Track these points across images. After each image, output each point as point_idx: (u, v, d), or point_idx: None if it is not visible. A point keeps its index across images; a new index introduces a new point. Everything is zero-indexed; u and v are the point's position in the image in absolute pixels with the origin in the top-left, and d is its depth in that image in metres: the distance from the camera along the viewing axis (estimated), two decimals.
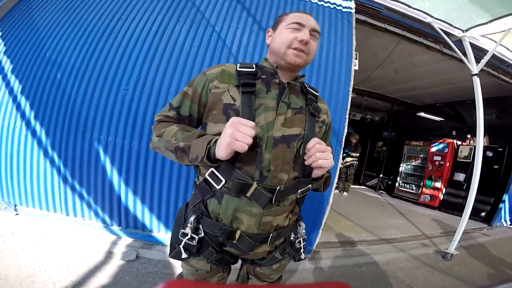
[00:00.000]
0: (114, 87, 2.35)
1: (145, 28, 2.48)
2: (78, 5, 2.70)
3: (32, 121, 2.43)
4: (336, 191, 6.32)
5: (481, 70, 3.14)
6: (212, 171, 0.77)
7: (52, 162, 2.41)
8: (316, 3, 2.79)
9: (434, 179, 6.19)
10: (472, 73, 3.11)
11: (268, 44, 0.91)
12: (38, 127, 2.42)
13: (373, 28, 3.23)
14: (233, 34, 2.52)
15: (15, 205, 2.54)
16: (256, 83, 0.82)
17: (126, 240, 2.36)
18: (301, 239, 0.95)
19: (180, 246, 0.80)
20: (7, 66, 2.58)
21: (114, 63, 2.40)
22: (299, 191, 0.84)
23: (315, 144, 0.77)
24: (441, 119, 7.06)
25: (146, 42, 2.43)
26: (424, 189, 6.37)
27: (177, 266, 2.12)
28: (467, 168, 5.58)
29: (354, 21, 2.80)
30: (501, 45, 3.26)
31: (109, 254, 2.13)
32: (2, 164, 2.50)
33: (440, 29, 3.13)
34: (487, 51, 3.16)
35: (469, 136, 5.88)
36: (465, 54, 3.19)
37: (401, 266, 2.69)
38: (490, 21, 2.85)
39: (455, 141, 6.10)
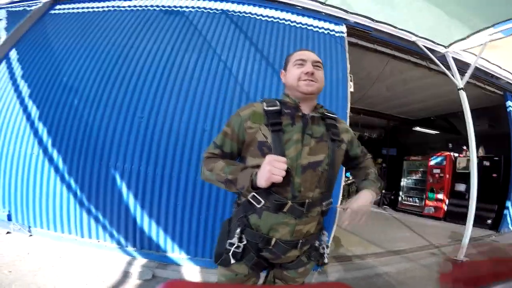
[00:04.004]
0: (130, 114, 2.49)
1: (156, 56, 2.67)
2: (92, 30, 2.90)
3: (50, 148, 2.55)
4: (340, 208, 6.31)
5: (467, 82, 3.33)
6: (253, 194, 0.93)
7: (69, 187, 2.50)
8: (311, 29, 3.04)
9: (436, 191, 6.27)
10: (458, 87, 3.31)
11: (284, 82, 1.09)
12: (55, 154, 2.54)
13: (364, 49, 3.49)
14: (238, 62, 2.71)
15: (29, 227, 2.60)
16: (282, 120, 0.96)
17: (141, 260, 2.39)
18: (325, 245, 1.09)
19: (229, 254, 0.95)
20: (25, 91, 2.73)
21: (128, 90, 2.56)
22: (323, 203, 1.00)
23: (352, 218, 0.95)
24: (437, 132, 7.27)
25: (158, 70, 2.61)
26: (427, 201, 6.43)
27: None
28: (467, 178, 5.67)
29: (346, 45, 3.02)
30: (481, 58, 3.48)
31: (125, 274, 2.16)
32: (18, 188, 2.59)
33: (424, 46, 3.37)
34: (470, 64, 3.36)
35: (464, 147, 6.04)
36: (449, 68, 3.39)
37: (412, 275, 2.71)
38: (469, 36, 3.08)
39: (452, 154, 6.26)
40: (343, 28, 3.11)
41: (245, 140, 0.98)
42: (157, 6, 3.04)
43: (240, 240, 0.96)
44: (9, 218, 2.63)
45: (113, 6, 3.07)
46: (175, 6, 3.02)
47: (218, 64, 2.67)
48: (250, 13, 3.04)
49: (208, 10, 3.00)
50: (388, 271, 2.75)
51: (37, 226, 2.59)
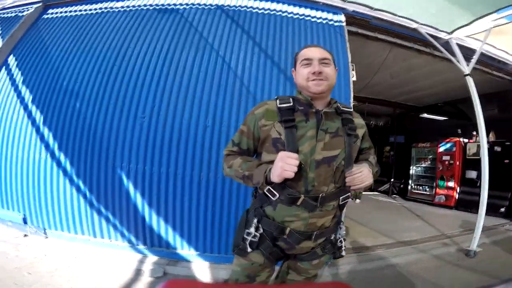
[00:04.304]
0: (131, 115, 2.52)
1: (154, 56, 2.67)
2: (87, 32, 2.92)
3: (56, 152, 2.61)
4: (349, 199, 6.29)
5: (474, 68, 3.24)
6: (269, 188, 0.97)
7: (78, 189, 2.56)
8: (309, 20, 2.99)
9: (446, 179, 6.13)
10: (464, 73, 3.22)
11: (295, 82, 1.10)
12: (62, 158, 2.59)
13: (365, 38, 3.43)
14: (237, 57, 2.70)
15: (44, 229, 2.68)
16: (295, 117, 0.98)
17: (152, 258, 2.44)
18: (342, 238, 1.11)
19: (247, 242, 1.01)
20: (27, 96, 2.79)
21: (128, 91, 2.58)
22: (340, 197, 1.02)
23: (355, 173, 0.95)
24: (445, 118, 7.11)
25: (156, 69, 2.62)
26: (438, 190, 6.29)
27: (203, 280, 2.20)
28: (478, 165, 5.54)
29: (346, 34, 2.97)
30: (487, 43, 3.38)
31: (138, 272, 2.21)
32: (30, 192, 2.67)
33: (427, 33, 3.28)
34: (475, 50, 3.27)
35: (474, 133, 5.88)
36: (454, 55, 3.30)
37: (424, 266, 2.67)
38: (472, 22, 2.99)
39: (461, 139, 6.09)
40: (342, 18, 3.05)
41: (260, 137, 1.03)
42: (151, 5, 3.03)
43: (256, 229, 1.01)
44: (25, 221, 2.71)
45: (105, 8, 3.07)
46: (168, 5, 3.00)
47: (216, 60, 2.66)
48: (246, 6, 3.01)
49: (203, 6, 2.97)
50: (399, 263, 2.73)
51: (52, 228, 2.67)
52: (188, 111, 2.50)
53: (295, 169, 0.85)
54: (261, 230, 1.02)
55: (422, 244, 3.31)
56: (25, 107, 2.76)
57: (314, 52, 1.01)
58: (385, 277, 2.44)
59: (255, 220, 1.02)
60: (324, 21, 3.01)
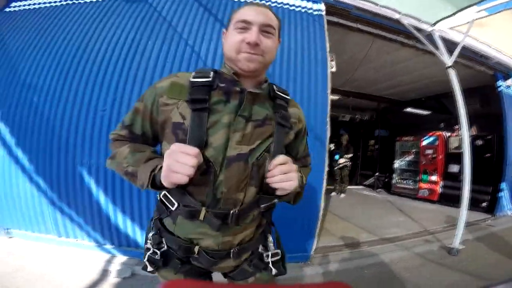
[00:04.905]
0: (91, 108, 2.36)
1: (117, 47, 2.49)
2: (49, 25, 2.72)
3: (14, 148, 2.43)
4: (334, 193, 6.29)
5: (456, 62, 3.20)
6: (165, 193, 0.75)
7: (38, 187, 2.40)
8: (288, 8, 2.85)
9: (429, 173, 6.18)
10: (446, 65, 3.17)
11: (223, 50, 0.81)
12: (20, 154, 2.42)
13: (346, 29, 3.33)
14: (207, 46, 2.54)
15: (7, 229, 2.54)
16: (210, 96, 0.74)
17: (120, 258, 2.33)
18: (270, 253, 0.85)
19: (144, 260, 0.79)
20: None
21: (89, 84, 2.40)
22: (262, 206, 0.78)
23: (277, 165, 0.70)
24: (428, 112, 7.16)
25: (119, 61, 2.44)
26: (421, 184, 6.35)
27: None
28: (460, 159, 5.61)
29: (325, 23, 2.85)
30: (469, 36, 3.35)
31: (104, 273, 2.11)
32: None
33: (410, 25, 3.21)
34: (458, 43, 3.22)
35: (456, 127, 5.93)
36: (437, 48, 3.26)
37: (405, 265, 2.61)
38: (454, 13, 2.93)
39: (444, 133, 6.14)
40: (322, 6, 2.92)
41: (159, 119, 0.76)
42: None
43: (158, 245, 0.79)
44: None
45: (71, 0, 2.84)
46: None
47: (185, 49, 2.51)
48: None
49: None
50: (380, 261, 2.67)
51: (15, 228, 2.54)
52: None
53: (190, 171, 0.61)
54: (165, 247, 0.79)
55: (405, 241, 3.27)
56: None
57: (256, 15, 0.72)
58: (365, 277, 2.36)
59: (151, 234, 0.80)
60: (303, 10, 2.87)
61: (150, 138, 0.82)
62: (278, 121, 0.79)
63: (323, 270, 2.43)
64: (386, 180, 7.67)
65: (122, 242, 2.37)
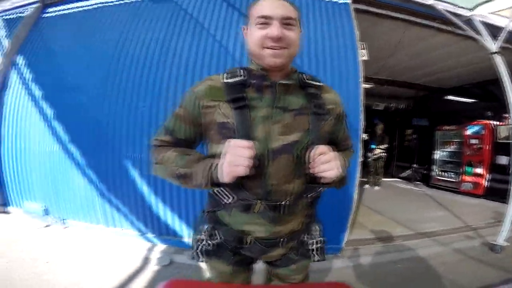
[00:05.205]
0: (133, 105, 2.54)
1: (151, 46, 2.64)
2: (86, 28, 2.96)
3: (68, 144, 2.71)
4: (367, 186, 6.09)
5: (503, 47, 2.91)
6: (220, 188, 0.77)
7: (90, 179, 2.65)
8: None
9: (474, 165, 5.69)
10: (491, 51, 2.90)
11: (246, 47, 0.83)
12: (73, 150, 2.69)
13: (376, 16, 3.20)
14: (234, 39, 2.60)
15: (63, 219, 2.83)
16: (246, 94, 0.76)
17: (160, 246, 2.51)
18: (315, 241, 0.90)
19: (198, 250, 0.84)
20: (37, 93, 2.91)
21: (129, 82, 2.59)
22: (309, 195, 0.81)
23: (318, 154, 0.71)
24: (472, 100, 6.56)
25: (154, 59, 2.59)
26: (464, 176, 5.86)
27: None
28: (509, 149, 5.08)
29: (352, 12, 2.75)
30: None
31: (145, 261, 2.28)
32: (49, 184, 2.82)
33: (445, 10, 2.96)
34: (502, 28, 2.91)
35: (506, 115, 5.36)
36: (479, 33, 2.98)
37: (442, 261, 2.49)
38: None
39: (491, 122, 5.58)
40: None
41: (203, 122, 0.79)
42: None
43: (211, 237, 0.83)
44: (47, 212, 2.88)
45: (101, 3, 3.05)
46: None
47: (213, 45, 2.58)
48: None
49: None
50: (415, 256, 2.58)
51: (70, 218, 2.82)
52: None
53: (250, 162, 0.64)
54: (218, 239, 0.84)
55: (444, 236, 3.10)
56: (37, 104, 2.88)
57: (276, 7, 0.71)
58: (398, 272, 2.31)
59: (206, 226, 0.84)
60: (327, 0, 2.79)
61: (192, 142, 0.86)
62: (314, 110, 0.79)
63: (354, 263, 2.41)
64: (425, 172, 7.19)
65: (162, 231, 2.55)
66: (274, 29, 0.70)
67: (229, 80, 0.78)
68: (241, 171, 0.64)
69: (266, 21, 0.71)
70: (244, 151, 0.64)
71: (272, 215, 0.77)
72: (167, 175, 0.79)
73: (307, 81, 0.82)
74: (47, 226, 2.82)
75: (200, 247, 0.84)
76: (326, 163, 0.70)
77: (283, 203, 0.76)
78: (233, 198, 0.76)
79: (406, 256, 2.58)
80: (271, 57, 0.73)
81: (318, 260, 0.91)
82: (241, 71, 0.79)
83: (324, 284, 0.64)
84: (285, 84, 0.77)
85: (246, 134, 0.72)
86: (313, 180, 0.76)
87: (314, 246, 0.89)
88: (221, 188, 0.74)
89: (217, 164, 0.69)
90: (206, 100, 0.78)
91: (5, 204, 3.14)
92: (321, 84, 0.85)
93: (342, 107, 0.90)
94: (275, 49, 0.72)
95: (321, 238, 0.91)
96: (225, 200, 0.77)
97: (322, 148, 0.71)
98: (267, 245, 0.82)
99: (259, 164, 0.71)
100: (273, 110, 0.75)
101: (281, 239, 0.82)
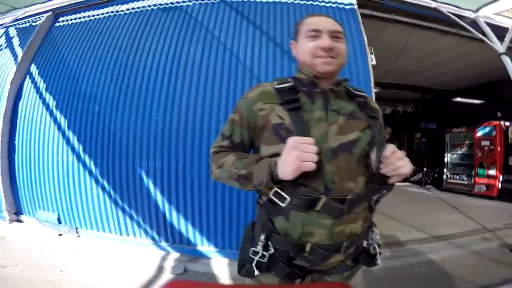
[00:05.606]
0: (146, 114, 2.58)
1: (162, 54, 2.71)
2: (97, 37, 3.03)
3: (81, 153, 2.75)
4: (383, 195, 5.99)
5: (509, 48, 2.94)
6: (276, 190, 0.76)
7: (103, 188, 2.68)
8: (318, 5, 2.85)
9: (486, 167, 5.60)
10: (499, 52, 2.91)
11: (295, 56, 0.92)
12: (87, 159, 2.73)
13: (382, 21, 3.24)
14: (244, 48, 2.65)
15: (76, 228, 2.85)
16: (299, 97, 0.80)
17: (174, 254, 2.50)
18: (376, 244, 0.89)
19: (253, 264, 0.79)
20: (51, 102, 2.97)
21: (142, 91, 2.64)
22: (373, 198, 0.81)
23: (391, 152, 0.72)
24: (481, 101, 6.52)
25: (166, 68, 2.65)
26: (477, 179, 5.78)
27: (221, 277, 2.20)
28: None
29: (359, 17, 2.79)
30: None
31: (159, 269, 2.26)
32: (62, 193, 2.85)
33: (450, 12, 3.01)
34: (508, 28, 2.95)
35: None
36: (485, 34, 3.01)
37: (460, 263, 2.44)
38: None
39: (502, 123, 5.53)
40: (353, 0, 2.86)
41: (257, 124, 0.83)
42: (155, 5, 3.06)
43: (265, 248, 0.79)
44: (59, 221, 2.90)
45: (112, 12, 3.15)
46: (171, 3, 3.01)
47: (224, 53, 2.63)
48: None
49: (206, 1, 2.94)
50: (431, 259, 2.52)
51: (83, 227, 2.83)
52: (200, 106, 2.51)
53: (316, 158, 0.66)
54: (272, 250, 0.80)
55: (460, 239, 3.04)
56: (51, 113, 2.94)
57: (325, 23, 0.81)
58: (415, 275, 2.26)
59: (262, 237, 0.79)
60: (334, 5, 2.85)
61: (247, 145, 0.89)
62: (371, 114, 0.84)
63: (368, 267, 2.36)
64: (436, 175, 7.10)
65: (175, 239, 2.54)
66: (326, 40, 0.79)
67: (281, 86, 0.83)
68: (308, 166, 0.66)
69: (316, 34, 0.81)
70: (310, 147, 0.67)
71: (337, 209, 0.74)
72: (228, 178, 0.81)
73: (353, 92, 0.88)
74: (60, 235, 2.83)
75: (256, 259, 0.79)
76: (401, 159, 0.72)
77: (348, 197, 0.74)
78: (290, 199, 0.75)
79: (422, 260, 2.53)
80: (323, 65, 0.80)
81: (376, 265, 0.90)
82: (290, 79, 0.85)
83: (324, 284, 0.63)
84: (336, 90, 0.83)
85: (304, 133, 0.73)
86: (380, 181, 0.78)
87: (377, 250, 0.89)
88: (277, 190, 0.75)
89: (275, 162, 0.71)
90: (260, 103, 0.82)
91: (19, 213, 3.18)
92: (365, 94, 0.92)
93: (382, 118, 0.94)
94: (326, 57, 0.80)
95: (379, 242, 0.91)
96: (281, 204, 0.76)
97: (392, 146, 0.74)
98: (328, 250, 0.78)
99: (318, 162, 0.72)
100: (327, 112, 0.79)
101: (342, 244, 0.79)
